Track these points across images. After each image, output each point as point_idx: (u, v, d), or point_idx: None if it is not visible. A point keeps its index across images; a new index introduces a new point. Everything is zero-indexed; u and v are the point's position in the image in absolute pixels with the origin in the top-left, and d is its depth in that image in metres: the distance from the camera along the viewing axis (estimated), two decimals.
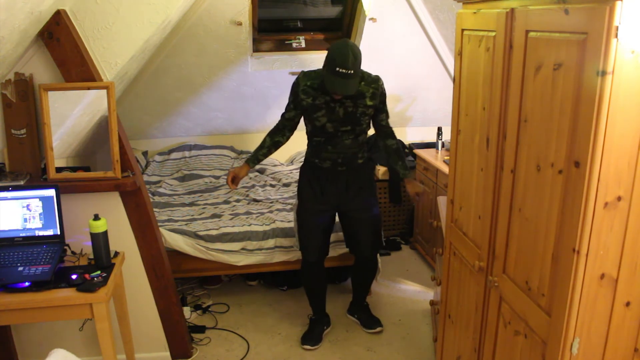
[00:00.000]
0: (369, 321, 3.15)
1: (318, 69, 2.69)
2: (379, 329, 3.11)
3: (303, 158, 4.35)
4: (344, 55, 2.43)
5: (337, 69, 2.42)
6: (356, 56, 2.46)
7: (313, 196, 2.84)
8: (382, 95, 2.73)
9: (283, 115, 2.81)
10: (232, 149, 4.58)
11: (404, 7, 3.86)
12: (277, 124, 2.84)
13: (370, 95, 2.67)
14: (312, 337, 3.00)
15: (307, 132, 2.82)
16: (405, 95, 4.43)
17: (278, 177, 4.27)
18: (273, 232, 3.29)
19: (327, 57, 2.51)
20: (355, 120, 2.69)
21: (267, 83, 4.19)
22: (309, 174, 2.88)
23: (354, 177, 2.83)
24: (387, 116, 2.82)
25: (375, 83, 2.68)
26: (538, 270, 1.48)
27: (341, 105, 2.64)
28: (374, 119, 2.80)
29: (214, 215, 3.53)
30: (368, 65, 4.15)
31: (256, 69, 4.11)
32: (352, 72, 2.44)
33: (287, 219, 3.43)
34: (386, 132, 2.84)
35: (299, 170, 4.27)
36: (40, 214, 2.27)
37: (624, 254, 1.30)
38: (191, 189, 4.08)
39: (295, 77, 2.77)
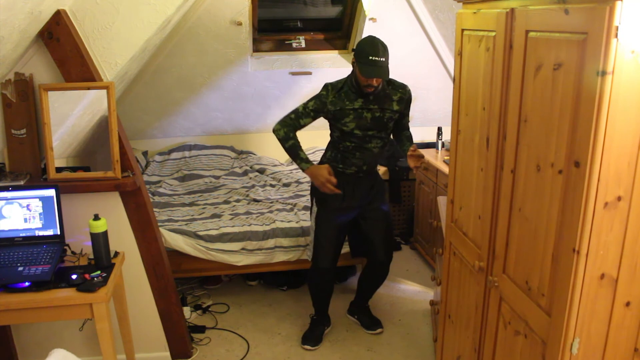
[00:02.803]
0: (370, 322, 3.15)
1: (341, 79, 2.77)
2: (379, 330, 3.11)
3: None
4: (374, 45, 2.56)
5: (370, 57, 2.53)
6: (384, 46, 2.58)
7: (337, 203, 2.83)
8: (409, 100, 2.84)
9: (298, 118, 2.72)
10: (232, 149, 4.58)
11: (404, 7, 3.86)
12: (293, 124, 2.73)
13: (397, 99, 2.77)
14: (312, 337, 3.00)
15: (334, 138, 2.83)
16: None
17: (278, 177, 4.27)
18: (273, 232, 3.29)
19: (357, 52, 2.60)
20: (382, 124, 2.76)
21: (267, 83, 4.19)
22: None
23: (372, 183, 2.88)
24: (409, 118, 2.95)
25: (402, 88, 2.80)
26: (538, 270, 1.48)
27: (369, 111, 2.71)
28: (398, 121, 2.87)
29: (214, 215, 3.53)
30: None
31: (256, 69, 4.11)
32: (383, 59, 2.55)
33: (287, 219, 3.43)
34: (404, 127, 2.94)
35: (299, 171, 4.30)
36: (40, 214, 2.27)
37: (624, 254, 1.30)
38: (191, 189, 4.08)
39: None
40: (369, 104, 2.71)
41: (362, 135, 2.74)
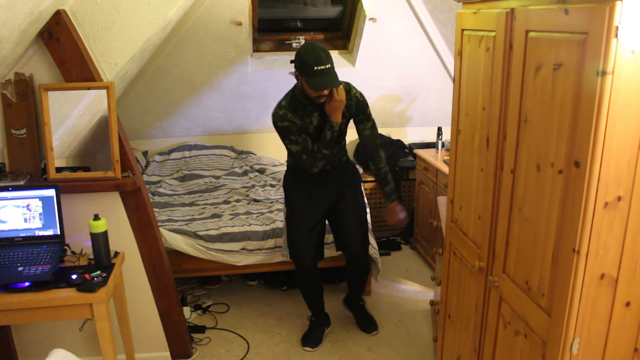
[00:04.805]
0: (366, 323, 3.14)
1: (286, 97, 2.64)
2: (375, 332, 3.11)
3: None
4: (315, 53, 2.41)
5: (315, 68, 2.39)
6: (325, 51, 2.44)
7: (302, 199, 2.83)
8: (358, 103, 2.65)
9: (306, 145, 2.61)
10: (232, 149, 4.58)
11: (404, 7, 3.85)
12: (310, 152, 2.62)
13: (347, 106, 2.62)
14: (312, 338, 3.01)
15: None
16: (405, 95, 4.43)
17: (278, 177, 4.27)
18: (273, 232, 3.29)
19: (298, 65, 2.45)
20: (341, 136, 2.71)
21: (267, 83, 4.19)
22: (294, 179, 2.85)
23: (341, 177, 2.84)
24: (373, 125, 2.71)
25: (348, 94, 2.61)
26: (538, 270, 1.48)
27: (329, 128, 2.58)
28: (357, 128, 2.72)
29: (214, 215, 3.53)
30: (368, 65, 4.17)
31: (256, 69, 4.11)
32: (329, 65, 2.42)
33: None
34: (372, 147, 2.72)
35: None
36: (40, 214, 2.27)
37: (624, 254, 1.30)
38: (191, 189, 4.08)
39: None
40: (326, 118, 2.58)
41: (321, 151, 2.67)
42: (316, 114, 2.61)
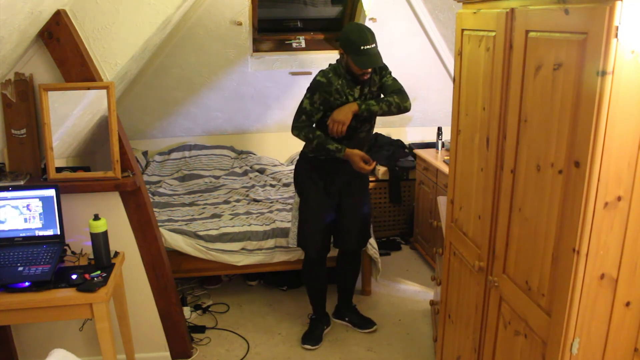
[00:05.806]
0: (362, 322, 3.14)
1: (333, 65, 2.72)
2: (374, 327, 3.11)
3: None
4: (362, 33, 2.54)
5: (362, 47, 2.51)
6: (371, 32, 2.58)
7: (316, 191, 2.83)
8: (380, 68, 2.76)
9: (310, 118, 2.68)
10: (232, 149, 4.58)
11: (404, 7, 3.86)
12: (308, 124, 2.69)
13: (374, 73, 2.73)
14: (312, 336, 3.00)
15: (319, 128, 2.75)
16: None
17: (278, 177, 4.27)
18: (273, 232, 3.29)
19: (345, 43, 2.57)
20: (369, 127, 2.76)
21: (267, 83, 4.20)
22: (308, 169, 2.86)
23: (354, 172, 2.83)
24: (394, 79, 2.80)
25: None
26: (538, 270, 1.48)
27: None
28: (380, 82, 2.78)
29: (214, 215, 3.53)
30: None
31: (256, 69, 4.11)
32: (374, 45, 2.55)
33: (287, 219, 3.43)
34: (396, 90, 2.76)
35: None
36: (40, 214, 2.27)
37: (624, 254, 1.30)
38: (191, 189, 4.08)
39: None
40: (364, 91, 2.69)
41: (354, 124, 2.70)
42: (358, 87, 2.69)
